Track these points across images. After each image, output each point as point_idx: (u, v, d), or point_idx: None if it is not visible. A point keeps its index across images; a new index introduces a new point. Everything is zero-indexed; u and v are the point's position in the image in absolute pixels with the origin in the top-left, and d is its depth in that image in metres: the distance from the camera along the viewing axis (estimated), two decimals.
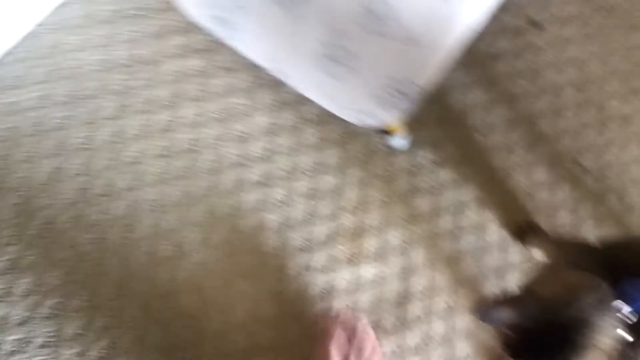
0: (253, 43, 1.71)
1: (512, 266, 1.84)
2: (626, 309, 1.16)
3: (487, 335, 1.66)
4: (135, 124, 1.85)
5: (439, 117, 1.91)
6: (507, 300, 1.15)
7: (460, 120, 1.91)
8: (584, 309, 1.13)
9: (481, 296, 1.74)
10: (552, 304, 1.14)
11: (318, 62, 1.64)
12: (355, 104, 1.70)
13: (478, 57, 1.95)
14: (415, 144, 1.89)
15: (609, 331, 1.15)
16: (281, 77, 1.73)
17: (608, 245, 1.37)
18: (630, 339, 1.17)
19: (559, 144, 1.92)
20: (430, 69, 1.60)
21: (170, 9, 1.87)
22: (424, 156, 1.88)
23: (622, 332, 1.17)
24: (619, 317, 1.16)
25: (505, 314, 1.14)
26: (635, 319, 1.17)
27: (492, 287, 1.81)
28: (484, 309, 1.15)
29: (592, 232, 1.88)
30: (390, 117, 1.68)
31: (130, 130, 1.84)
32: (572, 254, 1.41)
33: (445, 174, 1.88)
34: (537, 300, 1.15)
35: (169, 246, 1.78)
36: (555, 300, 1.15)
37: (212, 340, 1.70)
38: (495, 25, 1.95)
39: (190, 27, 1.89)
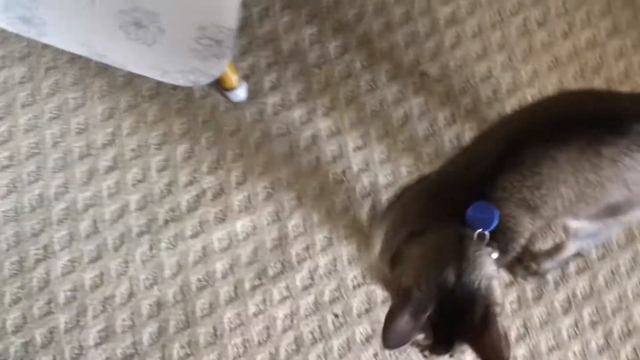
0: (62, 34, 1.78)
1: (382, 187, 1.92)
2: (482, 233, 1.20)
3: (371, 257, 1.74)
4: None
5: (275, 62, 2.02)
6: (393, 315, 1.12)
7: (296, 60, 2.01)
8: (458, 268, 1.14)
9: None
10: (432, 284, 1.14)
11: (127, 33, 1.71)
12: (177, 65, 1.77)
13: None
14: (257, 93, 1.99)
15: (489, 269, 1.18)
16: (103, 60, 1.80)
17: (435, 180, 1.41)
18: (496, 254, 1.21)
19: (399, 59, 2.03)
20: (230, 7, 1.67)
21: None
22: (269, 102, 1.98)
23: (494, 255, 1.21)
24: (485, 248, 1.20)
25: (404, 326, 1.11)
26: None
27: (365, 209, 1.88)
28: (389, 338, 1.15)
29: (453, 135, 1.96)
30: (215, 68, 1.77)
31: None
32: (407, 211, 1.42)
33: (294, 115, 1.97)
34: (414, 294, 1.13)
35: (39, 250, 1.82)
36: (433, 279, 1.14)
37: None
38: None
39: (6, 37, 1.96)
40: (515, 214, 1.25)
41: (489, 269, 1.14)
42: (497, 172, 1.25)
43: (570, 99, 1.41)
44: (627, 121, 1.25)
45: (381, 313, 1.84)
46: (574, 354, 1.84)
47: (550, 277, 1.88)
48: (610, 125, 1.25)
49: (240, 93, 1.98)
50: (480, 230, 1.19)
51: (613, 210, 1.36)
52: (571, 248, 1.70)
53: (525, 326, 1.85)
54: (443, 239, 1.18)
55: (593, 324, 1.86)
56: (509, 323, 1.84)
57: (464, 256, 1.12)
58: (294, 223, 1.91)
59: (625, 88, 2.05)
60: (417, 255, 1.18)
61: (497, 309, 1.15)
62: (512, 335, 1.84)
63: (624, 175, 1.24)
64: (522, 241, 1.29)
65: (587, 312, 1.87)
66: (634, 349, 1.85)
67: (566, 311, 1.87)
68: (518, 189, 1.24)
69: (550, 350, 1.84)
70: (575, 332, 1.85)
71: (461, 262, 1.12)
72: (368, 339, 1.83)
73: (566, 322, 1.86)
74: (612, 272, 1.90)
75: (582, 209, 1.32)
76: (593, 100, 1.36)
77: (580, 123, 1.26)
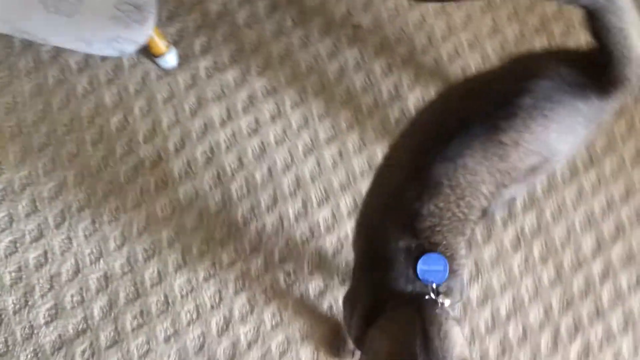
0: None
1: (323, 142, 1.99)
2: (435, 285, 1.20)
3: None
4: None
5: (204, 25, 2.03)
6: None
7: (225, 21, 2.03)
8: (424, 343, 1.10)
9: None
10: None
11: (45, 6, 1.71)
12: (100, 34, 1.78)
13: None
14: (188, 57, 2.01)
15: (459, 345, 1.12)
16: (26, 36, 1.80)
17: (366, 237, 1.36)
18: (445, 301, 1.20)
19: (331, 13, 2.06)
20: None
21: None
22: (201, 66, 1.99)
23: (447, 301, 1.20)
24: (444, 309, 1.17)
25: None
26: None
27: (309, 166, 1.91)
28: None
29: (391, 84, 2.00)
30: (139, 34, 1.78)
31: None
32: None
33: (228, 77, 1.99)
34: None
35: None
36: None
37: None
38: None
39: None
40: (449, 239, 1.26)
41: (458, 347, 1.08)
42: (420, 202, 1.26)
43: (452, 99, 1.39)
44: (513, 98, 1.27)
45: (332, 267, 1.88)
46: (527, 289, 1.90)
47: (498, 216, 1.92)
48: (499, 111, 1.27)
49: (170, 59, 1.99)
50: (435, 285, 1.20)
51: (533, 171, 1.40)
52: (505, 195, 1.75)
53: (476, 267, 1.90)
54: (404, 324, 1.13)
55: (543, 259, 1.93)
56: None
57: (429, 349, 1.07)
58: (237, 185, 1.93)
59: (559, 25, 2.11)
60: (383, 350, 1.13)
61: None
62: (464, 277, 1.88)
63: (530, 148, 1.28)
64: (463, 260, 1.30)
65: (536, 248, 1.93)
66: (585, 279, 1.92)
67: (516, 248, 1.93)
68: (445, 208, 1.26)
69: (503, 287, 1.90)
70: (526, 268, 1.92)
71: (428, 354, 1.06)
72: (321, 294, 1.87)
73: (517, 259, 1.92)
74: (558, 206, 1.96)
75: (503, 191, 1.36)
76: (473, 92, 1.36)
77: (472, 120, 1.28)
